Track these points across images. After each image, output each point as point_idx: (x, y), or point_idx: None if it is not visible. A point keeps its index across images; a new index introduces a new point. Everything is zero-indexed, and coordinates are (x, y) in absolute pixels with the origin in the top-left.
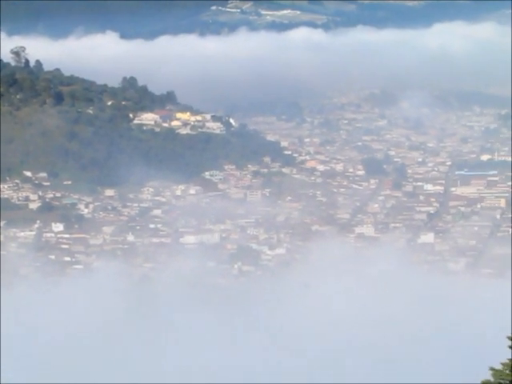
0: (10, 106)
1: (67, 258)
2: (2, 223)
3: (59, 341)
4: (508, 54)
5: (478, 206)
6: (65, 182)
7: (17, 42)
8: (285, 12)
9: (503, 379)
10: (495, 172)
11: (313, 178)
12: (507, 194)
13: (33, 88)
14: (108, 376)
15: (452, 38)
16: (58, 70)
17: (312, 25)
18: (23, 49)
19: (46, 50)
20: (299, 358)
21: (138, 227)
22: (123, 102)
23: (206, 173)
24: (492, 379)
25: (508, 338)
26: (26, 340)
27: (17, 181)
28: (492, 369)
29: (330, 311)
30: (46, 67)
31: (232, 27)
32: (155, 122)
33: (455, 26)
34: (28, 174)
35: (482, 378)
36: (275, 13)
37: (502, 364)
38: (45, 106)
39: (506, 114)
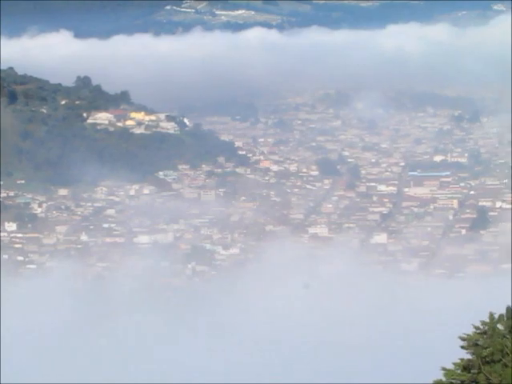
0: None
1: (20, 258)
2: None
3: (11, 340)
4: (462, 55)
5: (431, 206)
6: (18, 181)
7: None
8: (239, 12)
9: (455, 379)
10: (448, 173)
11: (267, 178)
12: (460, 195)
13: None
14: (59, 376)
15: (406, 39)
16: (11, 68)
17: (267, 25)
18: None
19: None
20: (253, 356)
21: (91, 227)
22: (77, 102)
23: (160, 172)
24: (444, 379)
25: (459, 337)
26: None
27: None
28: (444, 369)
29: (284, 311)
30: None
31: (186, 27)
32: (109, 121)
33: (409, 27)
34: None
35: (434, 378)
36: (230, 13)
37: (454, 364)
38: None
39: (460, 115)
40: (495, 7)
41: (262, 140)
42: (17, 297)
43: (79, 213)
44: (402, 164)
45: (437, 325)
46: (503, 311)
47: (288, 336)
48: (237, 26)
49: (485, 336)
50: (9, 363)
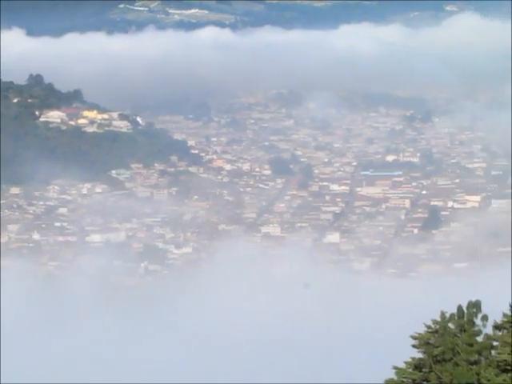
0: None
1: None
2: None
3: None
4: (414, 55)
5: (383, 206)
6: None
7: None
8: (193, 11)
9: (406, 378)
10: (400, 173)
11: (220, 178)
12: (412, 195)
13: None
14: (10, 376)
15: (359, 40)
16: None
17: (220, 24)
18: None
19: None
20: (206, 355)
21: (43, 225)
22: (29, 100)
23: (113, 171)
24: (395, 378)
25: (411, 336)
26: None
27: None
28: (395, 367)
29: (236, 310)
30: None
31: (140, 26)
32: (61, 119)
33: (362, 27)
34: None
35: (386, 377)
36: (183, 12)
37: (405, 363)
38: None
39: (412, 115)
40: (447, 8)
41: (214, 139)
42: None
43: (31, 211)
44: (355, 164)
45: (389, 324)
46: (454, 310)
47: (240, 335)
48: (190, 25)
49: (436, 335)
50: None
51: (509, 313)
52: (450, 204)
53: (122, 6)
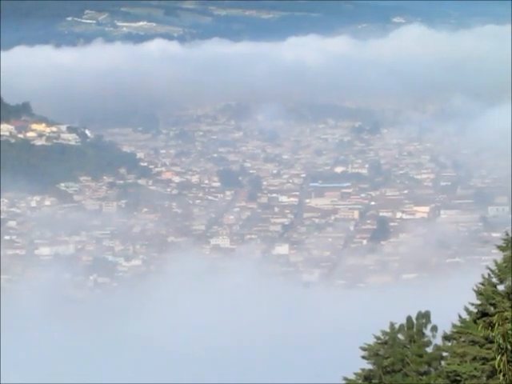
0: None
1: None
2: None
3: None
4: (362, 67)
5: (332, 217)
6: None
7: None
8: (141, 24)
9: None
10: (349, 184)
11: (168, 190)
12: (360, 206)
13: None
14: None
15: (306, 52)
16: None
17: (168, 37)
18: None
19: None
20: (155, 367)
21: None
22: None
23: (62, 184)
24: None
25: (360, 348)
26: None
27: None
28: (345, 378)
29: (185, 322)
30: None
31: (88, 38)
32: (10, 132)
33: (309, 39)
34: None
35: None
36: (131, 24)
37: (355, 374)
38: None
39: (360, 126)
40: (395, 20)
41: (163, 151)
42: None
43: None
44: (303, 175)
45: (338, 335)
46: (404, 321)
47: (189, 347)
48: (138, 38)
49: (385, 346)
50: None
51: (458, 323)
52: (398, 215)
53: (69, 18)
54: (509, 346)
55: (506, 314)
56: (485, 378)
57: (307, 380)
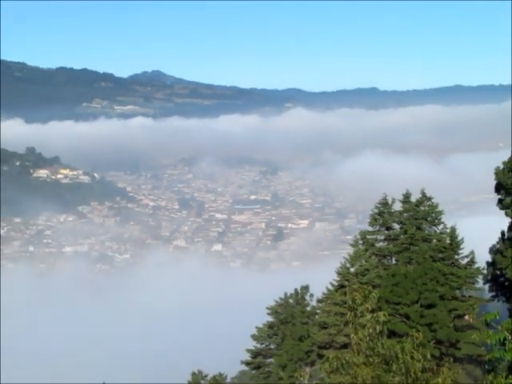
0: None
1: None
2: None
3: None
4: (268, 134)
5: (248, 227)
6: None
7: None
8: (129, 107)
9: (263, 334)
10: (258, 206)
11: (146, 210)
12: (266, 220)
13: None
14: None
15: (232, 124)
16: None
17: (145, 115)
18: None
19: None
20: (142, 318)
21: (35, 242)
22: (26, 163)
23: (79, 207)
24: (256, 333)
25: (267, 308)
26: None
27: None
28: (257, 327)
29: (160, 292)
30: None
31: (95, 116)
32: (46, 175)
33: (234, 117)
34: None
35: (251, 333)
36: (123, 107)
37: (263, 324)
38: None
39: (265, 170)
40: (286, 104)
41: (143, 186)
42: None
43: (28, 233)
44: (231, 201)
45: (253, 301)
46: (293, 291)
47: (163, 306)
48: (127, 116)
49: (281, 306)
50: None
51: (326, 292)
52: (289, 225)
53: (84, 104)
54: (355, 306)
55: (354, 286)
56: (342, 326)
57: (232, 325)
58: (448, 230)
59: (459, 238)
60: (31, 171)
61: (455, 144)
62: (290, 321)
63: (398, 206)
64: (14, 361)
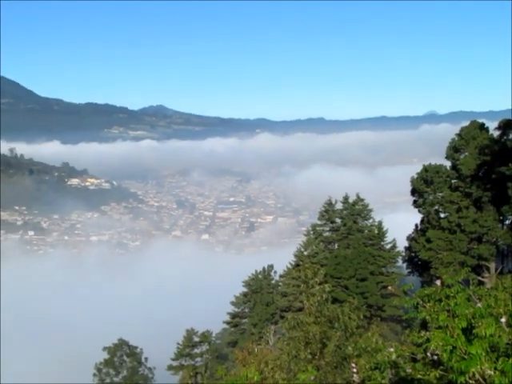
0: None
1: None
2: None
3: None
4: (241, 152)
5: (228, 221)
6: None
7: None
8: (139, 132)
9: (239, 302)
10: (236, 205)
11: (152, 209)
12: (241, 216)
13: None
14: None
15: (215, 145)
16: None
17: (152, 138)
18: None
19: None
20: (149, 289)
21: (69, 232)
22: (62, 173)
23: (101, 207)
24: (234, 300)
25: (243, 282)
26: None
27: None
28: (235, 296)
29: (165, 270)
30: None
31: (114, 139)
32: (77, 183)
33: (216, 139)
34: None
35: (231, 300)
36: (135, 132)
37: (240, 294)
38: None
39: (241, 179)
40: (256, 131)
41: (150, 191)
42: None
43: (63, 226)
44: (215, 201)
45: (232, 276)
46: (261, 269)
47: (165, 280)
48: (138, 139)
49: (253, 280)
50: None
51: (286, 269)
52: (259, 220)
53: (105, 130)
54: (307, 280)
55: (306, 265)
56: (298, 294)
57: (216, 294)
58: (376, 224)
59: (384, 230)
60: (66, 180)
61: (381, 160)
62: (259, 291)
63: (339, 206)
64: (59, 317)
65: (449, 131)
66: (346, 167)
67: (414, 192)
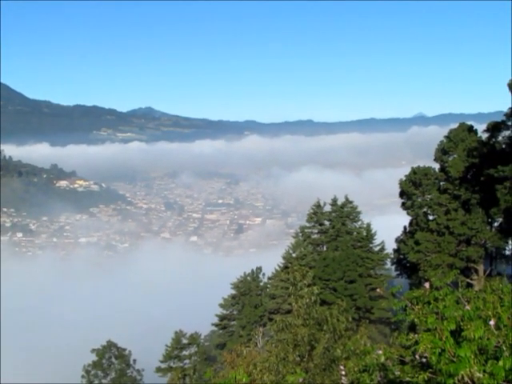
0: None
1: None
2: None
3: None
4: (230, 154)
5: (217, 223)
6: None
7: None
8: (128, 134)
9: (227, 304)
10: (224, 207)
11: (141, 211)
12: (230, 218)
13: None
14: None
15: (204, 147)
16: None
17: (140, 140)
18: None
19: None
20: (140, 287)
21: (58, 234)
22: (50, 175)
23: (90, 209)
24: (223, 302)
25: (231, 283)
26: None
27: None
28: (223, 297)
29: (153, 269)
30: None
31: (102, 141)
32: (66, 185)
33: (205, 142)
34: None
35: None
36: (123, 134)
37: (228, 296)
38: None
39: (230, 181)
40: (245, 133)
41: (139, 193)
42: None
43: (52, 228)
44: (204, 204)
45: (220, 278)
46: (250, 271)
47: (154, 278)
48: (126, 141)
49: (242, 282)
50: None
51: (275, 271)
52: (247, 222)
53: (94, 132)
54: (296, 282)
55: (295, 267)
56: (286, 296)
57: (205, 296)
58: (365, 226)
59: (373, 232)
60: (54, 182)
61: (370, 162)
62: (247, 293)
63: (328, 208)
64: (48, 319)
65: (437, 133)
66: (335, 169)
67: (402, 194)
